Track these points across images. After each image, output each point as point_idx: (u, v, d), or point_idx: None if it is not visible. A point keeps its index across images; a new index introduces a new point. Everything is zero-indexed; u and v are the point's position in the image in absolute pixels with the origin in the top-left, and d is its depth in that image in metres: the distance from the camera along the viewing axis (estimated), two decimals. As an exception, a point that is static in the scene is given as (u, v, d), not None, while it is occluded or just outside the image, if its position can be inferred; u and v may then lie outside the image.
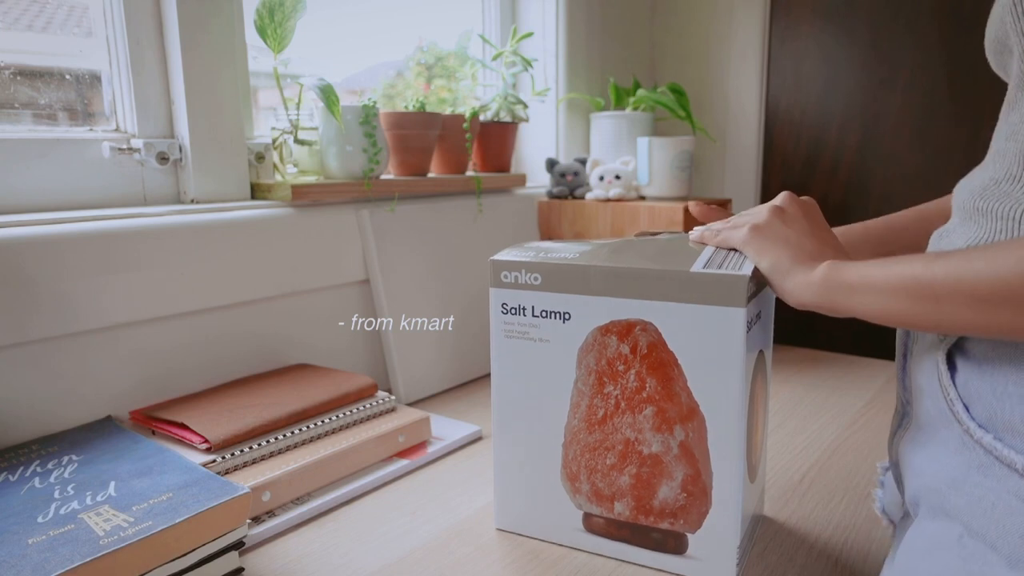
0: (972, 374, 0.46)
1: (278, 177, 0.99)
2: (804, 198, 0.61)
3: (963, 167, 1.31)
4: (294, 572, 0.61)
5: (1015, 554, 0.42)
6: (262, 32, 0.90)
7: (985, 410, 0.45)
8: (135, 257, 0.78)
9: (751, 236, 0.57)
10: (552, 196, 1.29)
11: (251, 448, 0.71)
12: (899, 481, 0.57)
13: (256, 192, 0.95)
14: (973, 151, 1.27)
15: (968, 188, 0.52)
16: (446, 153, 1.18)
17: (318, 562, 0.63)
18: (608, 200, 1.22)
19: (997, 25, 0.50)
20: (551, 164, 1.29)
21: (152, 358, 0.82)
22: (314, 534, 0.67)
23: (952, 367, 0.48)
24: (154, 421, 0.75)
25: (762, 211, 0.59)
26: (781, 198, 0.60)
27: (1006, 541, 0.43)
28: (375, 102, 0.99)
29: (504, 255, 0.64)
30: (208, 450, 0.69)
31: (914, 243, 0.68)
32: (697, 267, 0.56)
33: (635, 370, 0.59)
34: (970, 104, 1.26)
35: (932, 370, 0.50)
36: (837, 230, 0.72)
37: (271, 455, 0.73)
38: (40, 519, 0.55)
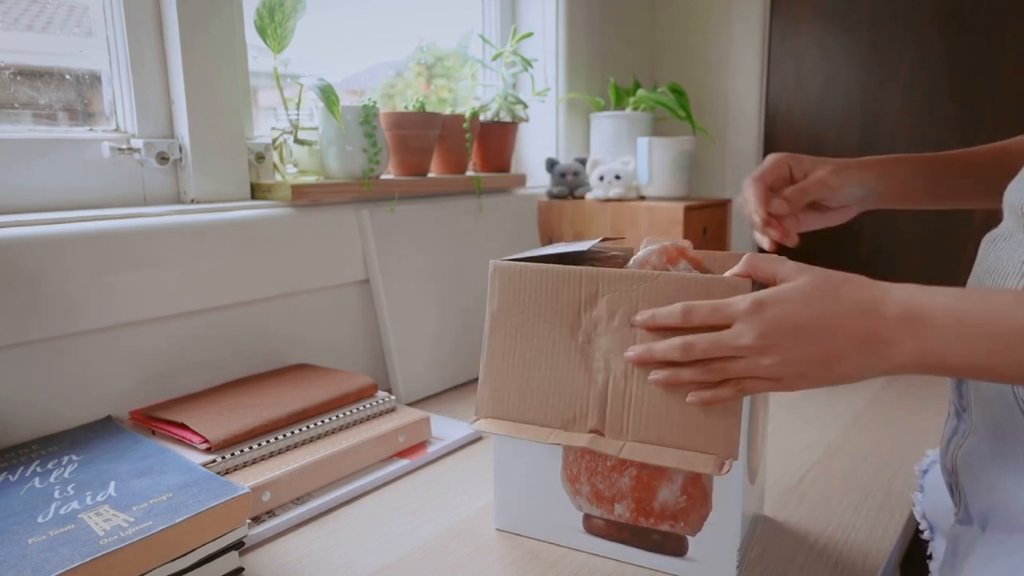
0: None
1: (278, 177, 0.99)
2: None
3: (963, 167, 1.31)
4: (294, 572, 0.61)
5: None
6: (262, 32, 0.90)
7: None
8: (135, 257, 0.78)
9: (798, 388, 0.51)
10: (552, 196, 1.29)
11: (251, 448, 0.71)
12: (953, 489, 0.55)
13: (256, 192, 0.95)
14: (973, 151, 1.27)
15: (1020, 191, 0.50)
16: (446, 153, 1.18)
17: (318, 562, 0.63)
18: (608, 200, 1.22)
19: None
20: (551, 164, 1.29)
21: (152, 358, 0.82)
22: (314, 534, 0.68)
23: None
24: (154, 421, 0.75)
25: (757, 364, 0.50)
26: (754, 331, 0.50)
27: None
28: (375, 102, 0.99)
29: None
30: (208, 450, 0.69)
31: (985, 177, 0.64)
32: None
33: (635, 371, 0.59)
34: (970, 104, 1.26)
35: None
36: (884, 160, 0.66)
37: (271, 455, 0.73)
38: (40, 519, 0.55)
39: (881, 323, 0.46)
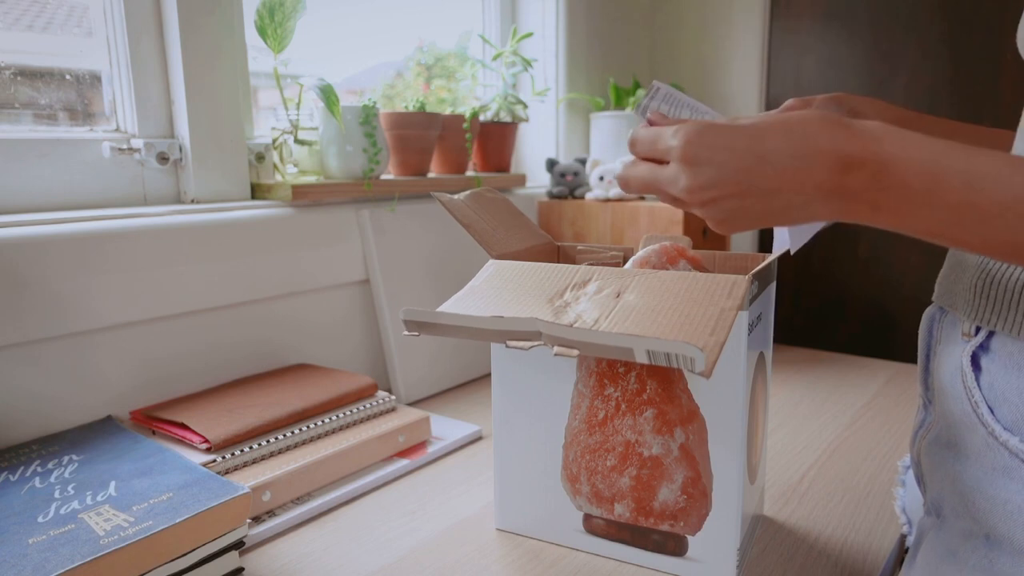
0: (998, 376, 0.46)
1: (278, 177, 0.99)
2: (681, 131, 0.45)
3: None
4: (294, 572, 0.61)
5: None
6: (262, 32, 0.90)
7: (1011, 412, 0.44)
8: (135, 257, 0.78)
9: (730, 232, 0.47)
10: (552, 196, 1.29)
11: (251, 448, 0.71)
12: (920, 481, 0.57)
13: (256, 192, 0.95)
14: (973, 151, 1.27)
15: None
16: (446, 153, 1.18)
17: (318, 562, 0.63)
18: (608, 200, 1.22)
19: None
20: (551, 164, 1.29)
21: (152, 358, 0.82)
22: (314, 534, 0.68)
23: (977, 368, 0.47)
24: (154, 421, 0.75)
25: (674, 189, 0.46)
26: (683, 179, 0.45)
27: None
28: (375, 102, 0.99)
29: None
30: (208, 450, 0.69)
31: None
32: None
33: (636, 372, 0.59)
34: (972, 104, 1.26)
35: (956, 371, 0.49)
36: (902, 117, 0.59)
37: (271, 455, 0.73)
38: (40, 519, 0.55)
39: (841, 178, 0.41)
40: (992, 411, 0.46)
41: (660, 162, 0.47)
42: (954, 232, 0.40)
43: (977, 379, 0.47)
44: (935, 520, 0.52)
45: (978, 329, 0.48)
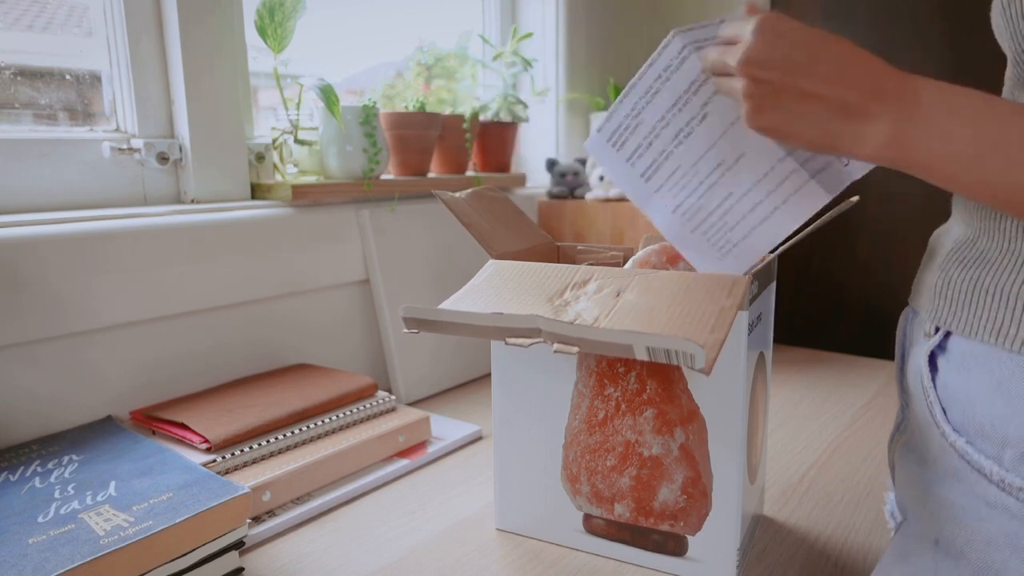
0: (950, 377, 0.46)
1: (278, 177, 0.99)
2: (769, 18, 0.44)
3: (963, 167, 1.31)
4: (294, 572, 0.61)
5: (982, 561, 0.42)
6: (262, 32, 0.90)
7: (960, 414, 0.45)
8: (135, 257, 0.78)
9: (757, 124, 0.46)
10: (552, 196, 1.29)
11: (251, 448, 0.71)
12: (896, 484, 0.57)
13: (256, 192, 0.95)
14: (973, 151, 1.27)
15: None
16: (446, 153, 1.18)
17: (318, 562, 0.63)
18: (608, 200, 1.22)
19: (994, 17, 0.50)
20: (551, 164, 1.29)
21: (152, 358, 0.82)
22: (314, 534, 0.68)
23: (934, 368, 0.48)
24: (154, 421, 0.75)
25: (738, 81, 0.46)
26: (747, 47, 0.44)
27: (973, 547, 0.42)
28: (375, 102, 0.99)
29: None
30: (208, 450, 0.69)
31: None
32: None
33: (636, 372, 0.59)
34: (970, 104, 1.26)
35: (918, 372, 0.50)
36: None
37: (271, 455, 0.73)
38: (40, 519, 0.55)
39: (868, 102, 0.42)
40: (945, 412, 0.46)
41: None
42: (959, 168, 0.40)
43: (933, 379, 0.47)
44: (901, 523, 0.52)
45: (937, 329, 0.48)
